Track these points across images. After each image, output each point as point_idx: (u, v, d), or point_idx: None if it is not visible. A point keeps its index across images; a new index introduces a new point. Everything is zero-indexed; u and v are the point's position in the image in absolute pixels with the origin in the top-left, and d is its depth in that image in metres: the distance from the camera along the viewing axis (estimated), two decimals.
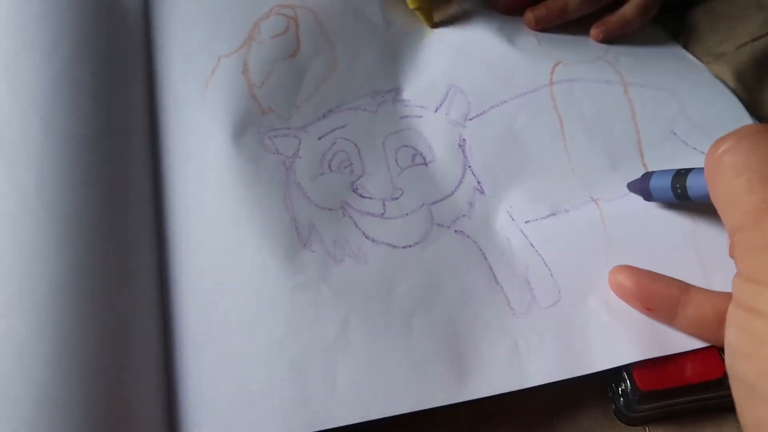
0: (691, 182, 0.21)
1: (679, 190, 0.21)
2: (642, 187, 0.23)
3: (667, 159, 0.25)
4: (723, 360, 0.20)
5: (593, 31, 0.29)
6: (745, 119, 0.26)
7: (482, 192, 0.25)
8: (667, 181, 0.22)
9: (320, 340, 0.22)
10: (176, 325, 0.22)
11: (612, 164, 0.25)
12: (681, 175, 0.21)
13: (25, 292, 0.20)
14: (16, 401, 0.18)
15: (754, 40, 0.29)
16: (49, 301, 0.20)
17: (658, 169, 0.23)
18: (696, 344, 0.21)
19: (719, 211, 0.18)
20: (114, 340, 0.21)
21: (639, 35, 0.30)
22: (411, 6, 0.28)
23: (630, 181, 0.24)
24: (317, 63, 0.28)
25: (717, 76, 0.29)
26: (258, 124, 0.26)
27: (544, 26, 0.29)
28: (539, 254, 0.24)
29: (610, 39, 0.29)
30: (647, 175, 0.23)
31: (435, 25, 0.29)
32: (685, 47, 0.30)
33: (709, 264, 0.23)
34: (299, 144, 0.26)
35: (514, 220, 0.24)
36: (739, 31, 0.29)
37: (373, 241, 0.24)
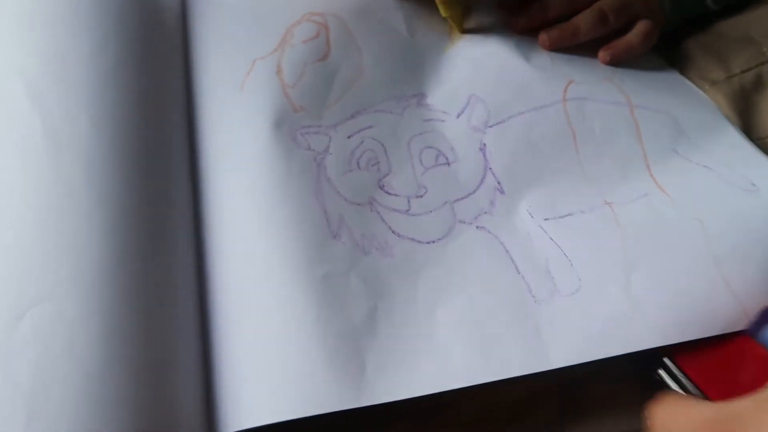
0: None
1: None
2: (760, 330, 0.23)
3: (673, 173, 0.27)
4: None
5: (601, 54, 0.32)
6: (739, 141, 0.29)
7: (502, 192, 0.27)
8: None
9: (350, 324, 0.23)
10: (215, 309, 0.23)
11: (622, 174, 0.27)
12: None
13: (73, 277, 0.21)
14: (64, 380, 0.19)
15: (743, 72, 0.31)
16: (97, 285, 0.21)
17: (675, 179, 0.25)
18: (723, 329, 0.22)
19: None
20: (157, 324, 0.22)
21: (641, 61, 0.33)
22: (443, 14, 0.30)
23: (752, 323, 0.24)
24: (346, 67, 0.29)
25: (713, 101, 0.31)
26: (291, 121, 0.27)
27: (556, 47, 0.31)
28: (559, 246, 0.25)
29: (616, 62, 0.32)
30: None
31: (464, 31, 0.31)
32: (682, 74, 0.33)
33: (721, 254, 0.24)
34: (329, 141, 0.27)
35: (534, 217, 0.26)
36: (730, 63, 0.32)
37: (398, 235, 0.25)
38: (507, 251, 0.25)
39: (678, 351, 0.23)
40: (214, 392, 0.22)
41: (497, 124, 0.29)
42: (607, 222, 0.26)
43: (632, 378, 0.24)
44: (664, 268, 0.24)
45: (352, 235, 0.25)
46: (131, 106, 0.25)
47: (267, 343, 0.22)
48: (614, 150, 0.28)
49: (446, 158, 0.28)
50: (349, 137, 0.27)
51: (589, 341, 0.22)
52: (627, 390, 0.24)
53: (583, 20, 0.31)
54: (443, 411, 0.24)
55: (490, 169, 0.28)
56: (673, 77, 0.33)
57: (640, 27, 0.32)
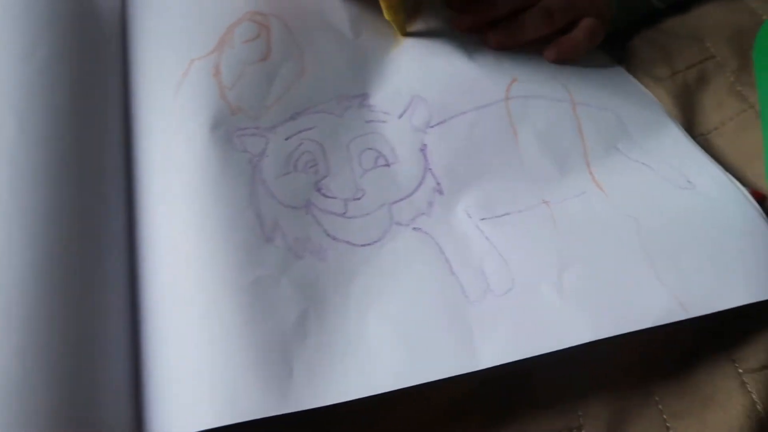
0: None
1: None
2: None
3: (612, 169, 0.27)
4: None
5: (546, 52, 0.32)
6: (677, 136, 0.29)
7: (441, 192, 0.27)
8: None
9: (278, 330, 0.22)
10: (146, 316, 0.23)
11: (561, 171, 0.27)
12: None
13: None
14: None
15: (687, 68, 0.31)
16: (19, 295, 0.20)
17: (613, 176, 0.25)
18: (655, 321, 0.22)
19: None
20: (82, 335, 0.21)
21: (587, 59, 0.33)
22: (387, 17, 0.30)
23: None
24: (286, 68, 0.29)
25: (656, 98, 0.31)
26: (228, 123, 0.27)
27: (502, 46, 0.31)
28: (494, 246, 0.25)
29: (561, 60, 0.32)
30: None
31: (406, 34, 0.31)
32: (628, 71, 0.33)
33: (653, 251, 0.24)
34: (267, 144, 0.27)
35: (471, 217, 0.26)
36: (675, 59, 0.32)
37: (333, 238, 0.25)
38: (442, 252, 0.25)
39: None
40: (143, 399, 0.22)
41: (438, 124, 0.28)
42: (544, 221, 0.26)
43: (576, 374, 0.24)
44: (595, 265, 0.24)
45: (286, 239, 0.25)
46: (62, 109, 0.25)
47: (195, 350, 0.22)
48: (555, 148, 0.28)
49: (386, 160, 0.28)
50: (287, 139, 0.27)
51: (519, 340, 0.22)
52: (570, 386, 0.24)
53: (529, 19, 0.31)
54: (383, 413, 0.24)
55: (429, 169, 0.27)
56: (619, 75, 0.33)
57: (586, 24, 0.32)
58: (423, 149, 0.28)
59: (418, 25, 0.32)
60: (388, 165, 0.27)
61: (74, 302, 0.22)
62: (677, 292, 0.23)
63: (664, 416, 0.22)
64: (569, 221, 0.26)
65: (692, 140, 0.29)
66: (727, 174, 0.27)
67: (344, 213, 0.26)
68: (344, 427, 0.23)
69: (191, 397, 0.21)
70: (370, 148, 0.28)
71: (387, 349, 0.22)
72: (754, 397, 0.22)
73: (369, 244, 0.25)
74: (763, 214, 0.26)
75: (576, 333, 0.22)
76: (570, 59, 0.32)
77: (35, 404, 0.19)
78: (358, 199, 0.26)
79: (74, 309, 0.21)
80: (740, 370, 0.22)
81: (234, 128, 0.27)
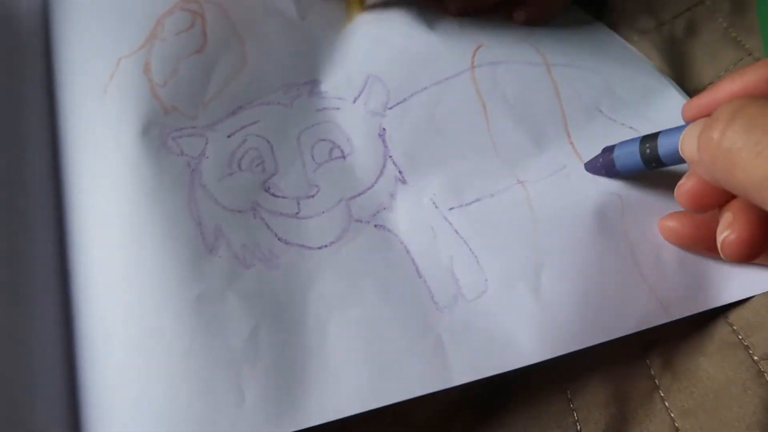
0: (663, 144, 0.20)
1: (648, 151, 0.20)
2: (604, 161, 0.22)
3: (594, 136, 0.24)
4: None
5: (515, 14, 0.28)
6: (670, 93, 0.26)
7: (404, 182, 0.24)
8: (634, 148, 0.21)
9: (226, 351, 0.20)
10: (77, 339, 0.21)
11: (537, 145, 0.24)
12: (649, 139, 0.21)
13: None
14: None
15: (674, 18, 0.28)
16: None
17: (595, 145, 0.22)
18: (637, 326, 0.20)
19: (750, 197, 0.16)
20: (11, 356, 0.19)
21: (562, 18, 0.29)
22: None
23: (587, 161, 0.23)
24: (226, 59, 0.26)
25: (642, 53, 0.28)
26: (161, 124, 0.24)
27: (463, 13, 0.28)
28: (465, 242, 0.22)
29: (533, 21, 0.28)
30: (608, 149, 0.22)
31: (365, 7, 0.28)
32: (609, 27, 0.30)
33: (636, 240, 0.22)
34: (206, 144, 0.24)
35: (438, 207, 0.23)
36: (660, 9, 0.29)
37: (286, 242, 0.22)
38: (408, 251, 0.22)
39: None
40: (80, 427, 0.20)
41: (398, 104, 0.25)
42: (518, 205, 0.23)
43: (551, 385, 0.21)
44: (575, 259, 0.21)
45: (231, 248, 0.22)
46: None
47: (134, 377, 0.20)
48: (529, 116, 0.25)
49: (341, 151, 0.25)
50: (229, 136, 0.24)
51: (492, 353, 0.20)
52: (548, 396, 0.21)
53: None
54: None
55: (390, 157, 0.25)
56: (599, 31, 0.29)
57: None
58: (382, 134, 0.25)
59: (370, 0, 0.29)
60: (343, 157, 0.25)
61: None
62: (659, 292, 0.21)
63: (672, 414, 0.20)
64: (546, 205, 0.23)
65: (685, 96, 0.26)
66: None
67: (297, 213, 0.23)
68: None
69: (134, 429, 0.19)
70: (323, 140, 0.25)
71: (350, 367, 0.20)
72: None
73: (326, 246, 0.22)
74: None
75: (554, 344, 0.20)
76: (542, 20, 0.29)
77: None
78: (312, 196, 0.23)
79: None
80: (755, 357, 0.19)
81: (168, 129, 0.24)
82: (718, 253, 0.18)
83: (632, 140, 0.22)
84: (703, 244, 0.21)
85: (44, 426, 0.19)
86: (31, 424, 0.19)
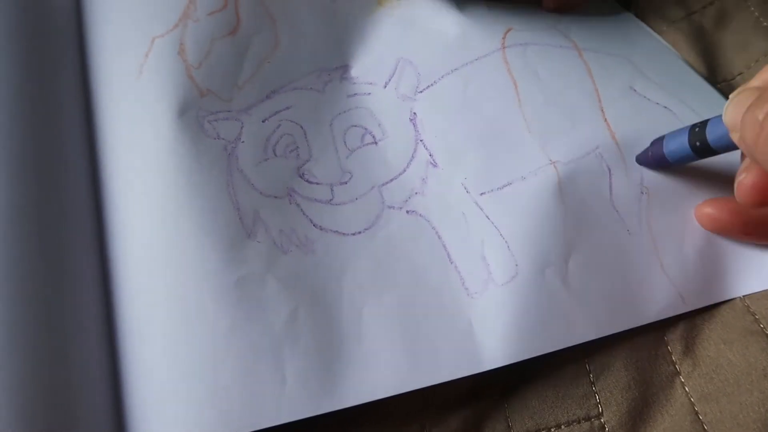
0: (712, 133, 0.20)
1: (698, 144, 0.21)
2: (654, 152, 0.23)
3: (629, 114, 0.24)
4: None
5: (545, 0, 0.28)
6: (700, 82, 0.26)
7: (435, 165, 0.24)
8: (683, 138, 0.21)
9: (268, 334, 0.21)
10: (121, 323, 0.21)
11: (572, 122, 0.24)
12: (698, 127, 0.21)
13: None
14: None
15: (704, 7, 0.28)
16: None
17: (630, 123, 0.22)
18: (658, 315, 0.21)
19: None
20: (54, 340, 0.20)
21: (591, 6, 0.29)
22: None
23: (638, 154, 0.24)
24: (258, 41, 0.26)
25: (671, 44, 0.28)
26: (197, 107, 0.24)
27: None
28: (495, 227, 0.23)
29: (563, 8, 0.28)
30: (658, 140, 0.23)
31: None
32: (638, 17, 0.30)
33: (659, 232, 0.23)
34: (241, 127, 0.24)
35: (469, 192, 0.24)
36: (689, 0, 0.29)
37: (321, 228, 0.23)
38: (439, 237, 0.23)
39: None
40: (123, 411, 0.21)
41: (428, 87, 0.26)
42: (549, 191, 0.23)
43: (575, 367, 0.22)
44: (601, 249, 0.22)
45: (269, 233, 0.23)
46: (15, 102, 0.23)
47: (176, 359, 0.20)
48: (562, 93, 0.25)
49: (373, 137, 0.25)
50: (263, 121, 0.25)
51: (522, 339, 0.21)
52: (572, 378, 0.22)
53: None
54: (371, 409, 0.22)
55: (421, 141, 0.25)
56: (627, 21, 0.29)
57: None
58: (413, 119, 0.25)
59: None
60: (375, 142, 0.25)
61: (42, 305, 0.20)
62: (678, 283, 0.22)
63: (692, 399, 0.21)
64: (576, 191, 0.23)
65: (714, 89, 0.26)
66: None
67: (331, 200, 0.24)
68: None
69: (177, 410, 0.20)
70: (355, 125, 0.25)
71: (385, 351, 0.21)
72: None
73: (360, 233, 0.23)
74: None
75: (580, 331, 0.21)
76: (572, 7, 0.28)
77: (7, 407, 0.18)
78: (345, 183, 0.24)
79: (43, 312, 0.20)
80: None
81: (204, 112, 0.24)
82: (754, 238, 0.19)
83: (681, 130, 0.22)
84: (739, 229, 0.21)
85: (88, 406, 0.20)
86: (76, 405, 0.20)
